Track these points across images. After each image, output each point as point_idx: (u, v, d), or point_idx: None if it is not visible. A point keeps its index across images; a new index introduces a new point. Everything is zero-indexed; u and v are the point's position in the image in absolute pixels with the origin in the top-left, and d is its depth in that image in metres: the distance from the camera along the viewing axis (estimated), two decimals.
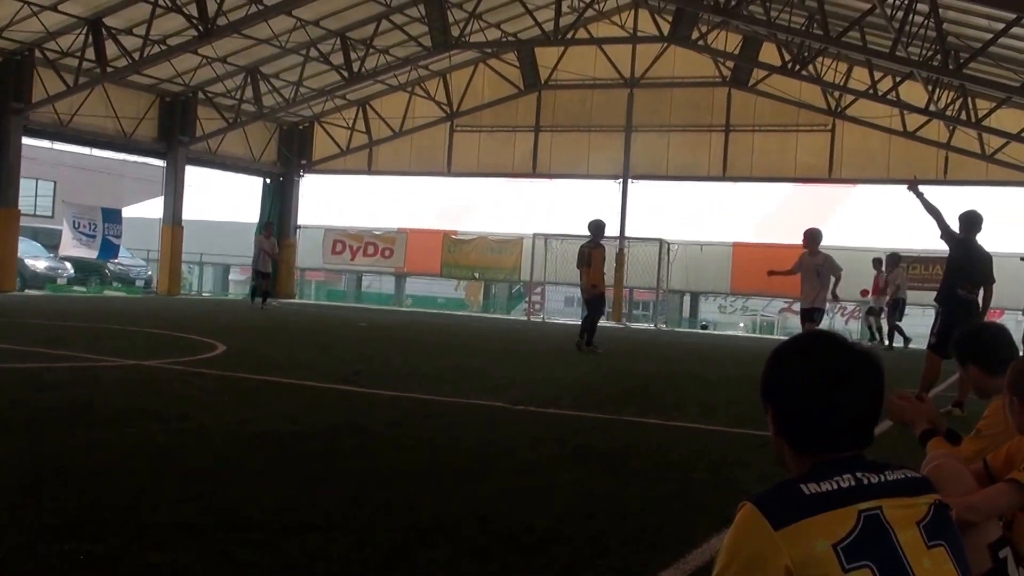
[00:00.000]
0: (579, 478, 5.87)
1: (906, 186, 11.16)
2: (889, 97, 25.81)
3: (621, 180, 30.14)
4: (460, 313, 33.33)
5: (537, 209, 33.15)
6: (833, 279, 15.72)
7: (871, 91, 25.72)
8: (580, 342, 16.08)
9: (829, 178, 29.96)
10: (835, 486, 1.91)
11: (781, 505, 1.89)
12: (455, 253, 32.89)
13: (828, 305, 25.34)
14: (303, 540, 4.15)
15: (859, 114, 28.26)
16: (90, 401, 7.84)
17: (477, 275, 33.65)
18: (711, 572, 1.96)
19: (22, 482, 4.88)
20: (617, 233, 29.79)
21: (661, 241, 29.61)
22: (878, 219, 30.31)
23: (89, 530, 4.09)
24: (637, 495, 5.49)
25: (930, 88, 24.46)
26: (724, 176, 30.63)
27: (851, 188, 31.67)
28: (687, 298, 34.30)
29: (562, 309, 40.87)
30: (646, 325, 30.39)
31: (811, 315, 15.86)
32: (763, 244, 27.95)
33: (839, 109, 28.68)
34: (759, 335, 31.58)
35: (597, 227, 16.54)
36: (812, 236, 15.60)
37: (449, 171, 33.46)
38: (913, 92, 25.47)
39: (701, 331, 30.33)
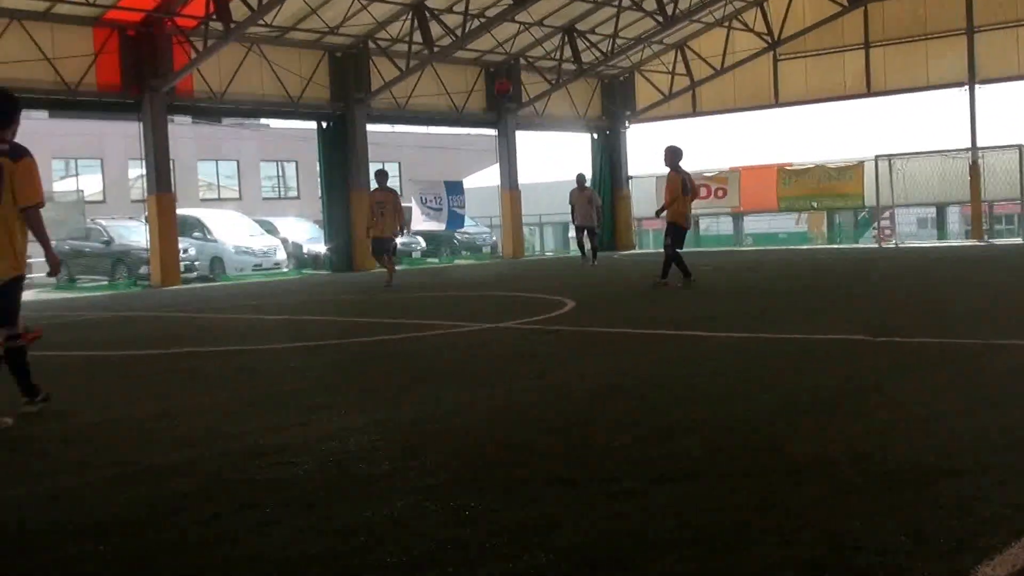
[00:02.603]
0: (959, 408, 5.47)
1: None
2: None
3: (967, 87, 28.06)
4: (804, 247, 32.26)
5: (875, 129, 31.51)
6: None
7: None
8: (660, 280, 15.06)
9: None
10: None
11: None
12: (791, 185, 31.81)
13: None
14: (668, 489, 4.11)
15: None
16: (457, 362, 8.23)
17: (815, 204, 32.44)
18: None
19: (404, 446, 5.16)
20: (968, 144, 27.83)
21: (1021, 147, 27.29)
22: None
23: (467, 486, 4.26)
24: None
25: None
26: None
27: None
28: None
29: (915, 232, 38.72)
30: (1014, 240, 28.19)
31: None
32: None
33: None
34: None
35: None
36: None
37: (776, 102, 32.43)
38: None
39: None
